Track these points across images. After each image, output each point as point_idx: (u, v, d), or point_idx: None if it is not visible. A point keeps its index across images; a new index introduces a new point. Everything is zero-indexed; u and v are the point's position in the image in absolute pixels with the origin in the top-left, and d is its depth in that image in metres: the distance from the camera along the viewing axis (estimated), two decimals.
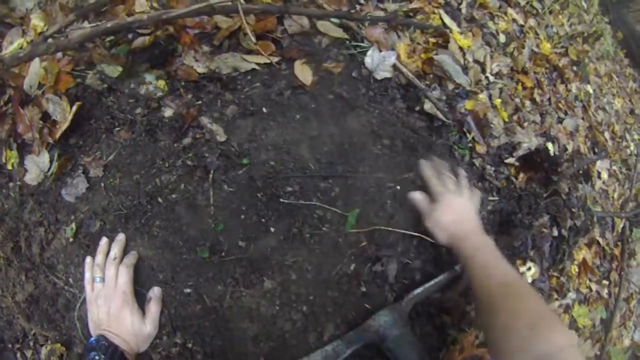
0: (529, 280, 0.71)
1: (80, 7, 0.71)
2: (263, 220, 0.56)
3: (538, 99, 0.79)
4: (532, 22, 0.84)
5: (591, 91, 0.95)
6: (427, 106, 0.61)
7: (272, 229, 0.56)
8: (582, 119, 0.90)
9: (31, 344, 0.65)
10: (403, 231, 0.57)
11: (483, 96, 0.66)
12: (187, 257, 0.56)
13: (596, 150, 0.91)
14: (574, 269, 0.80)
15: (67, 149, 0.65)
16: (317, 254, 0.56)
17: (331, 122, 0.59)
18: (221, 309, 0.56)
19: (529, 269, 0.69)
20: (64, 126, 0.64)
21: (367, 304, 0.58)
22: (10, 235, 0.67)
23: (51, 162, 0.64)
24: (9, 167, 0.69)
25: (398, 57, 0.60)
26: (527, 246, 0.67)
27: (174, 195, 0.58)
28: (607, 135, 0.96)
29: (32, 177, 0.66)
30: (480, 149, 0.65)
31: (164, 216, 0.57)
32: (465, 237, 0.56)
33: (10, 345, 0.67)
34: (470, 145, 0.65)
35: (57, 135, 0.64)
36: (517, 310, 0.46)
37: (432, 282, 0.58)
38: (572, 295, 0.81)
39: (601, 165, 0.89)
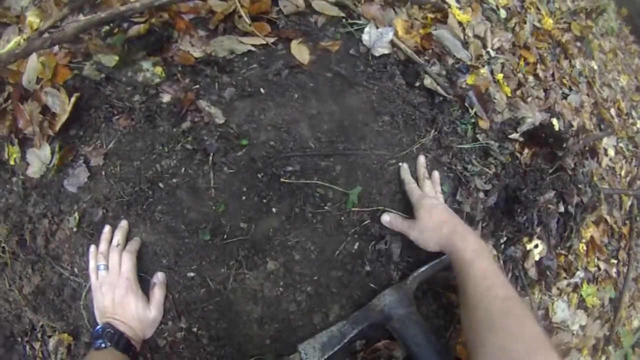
0: (536, 258, 0.70)
1: (74, 1, 0.72)
2: (264, 200, 0.56)
3: (541, 74, 0.78)
4: None
5: (596, 67, 0.93)
6: (427, 82, 0.61)
7: (273, 210, 0.56)
8: (587, 95, 0.89)
9: (39, 335, 0.66)
10: (406, 216, 0.57)
11: (484, 71, 0.66)
12: (190, 241, 0.57)
13: (602, 127, 0.90)
14: (582, 247, 0.79)
15: (67, 141, 0.65)
16: (320, 233, 0.56)
17: (330, 100, 0.59)
18: (225, 291, 0.56)
19: (536, 246, 0.69)
20: (64, 118, 0.65)
21: (372, 283, 0.58)
22: (15, 229, 0.67)
23: (52, 154, 0.65)
24: (12, 162, 0.70)
25: (396, 34, 0.60)
26: (533, 222, 0.66)
27: (174, 180, 0.58)
28: (613, 112, 0.95)
29: (34, 170, 0.67)
30: (484, 124, 0.65)
31: (166, 201, 0.58)
32: (463, 236, 0.53)
33: (19, 339, 0.68)
34: (473, 120, 0.65)
35: (57, 127, 0.65)
36: (517, 332, 0.45)
37: (437, 261, 0.57)
38: (580, 274, 0.80)
39: (607, 142, 0.88)
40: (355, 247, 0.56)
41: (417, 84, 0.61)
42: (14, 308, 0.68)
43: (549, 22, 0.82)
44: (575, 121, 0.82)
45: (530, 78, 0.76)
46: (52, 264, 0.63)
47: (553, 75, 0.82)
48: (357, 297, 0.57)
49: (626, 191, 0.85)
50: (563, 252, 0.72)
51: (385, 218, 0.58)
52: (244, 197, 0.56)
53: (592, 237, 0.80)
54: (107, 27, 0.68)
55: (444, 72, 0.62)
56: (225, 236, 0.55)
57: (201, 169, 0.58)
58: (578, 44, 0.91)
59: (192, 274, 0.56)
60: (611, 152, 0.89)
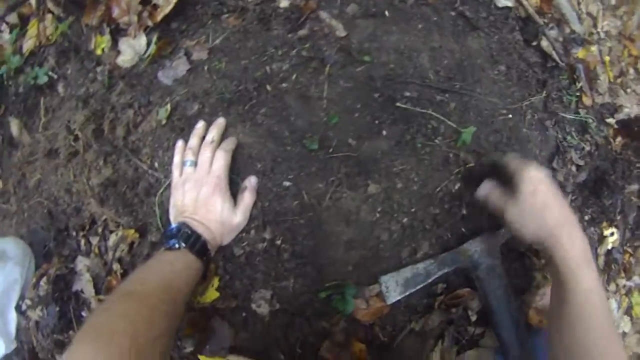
0: (609, 246, 0.71)
1: None
2: (377, 122, 0.56)
3: None
4: None
5: None
6: (544, 44, 0.62)
7: (384, 132, 0.56)
8: None
9: (100, 230, 0.63)
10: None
11: (594, 49, 0.68)
12: (291, 149, 0.56)
13: None
14: None
15: (167, 33, 0.64)
16: (426, 165, 0.56)
17: (452, 38, 0.60)
18: (319, 207, 0.55)
19: (612, 234, 0.70)
20: (167, 9, 0.64)
21: (464, 228, 0.57)
22: (94, 117, 0.65)
23: (149, 45, 0.64)
24: (98, 52, 0.68)
25: None
26: (616, 208, 0.67)
27: (284, 84, 0.57)
28: None
29: (126, 59, 0.65)
30: (587, 100, 0.66)
31: (271, 104, 0.57)
32: (571, 233, 0.43)
33: (74, 233, 0.66)
34: (578, 94, 0.66)
35: (158, 18, 0.64)
36: None
37: None
38: (637, 279, 0.82)
39: None
40: (456, 187, 0.56)
41: (534, 43, 0.62)
42: (75, 200, 0.66)
43: None
44: None
45: (631, 70, 0.79)
46: (128, 157, 0.61)
47: None
48: (448, 239, 0.56)
49: None
50: (630, 250, 0.74)
51: (481, 192, 0.51)
52: (356, 114, 0.56)
53: None
54: None
55: (560, 39, 0.64)
56: (331, 150, 0.55)
57: (315, 78, 0.57)
58: None
59: (287, 184, 0.55)
60: None
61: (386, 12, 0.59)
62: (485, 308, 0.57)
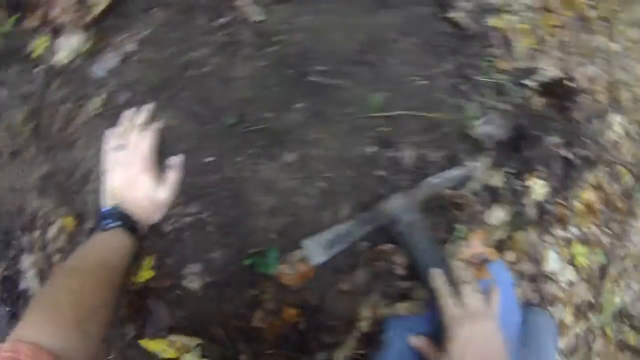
0: (539, 198, 0.75)
1: None
2: (290, 96, 0.61)
3: (562, 38, 0.85)
4: None
5: (617, 50, 1.01)
6: (457, 14, 0.67)
7: (297, 105, 0.61)
8: (604, 71, 0.96)
9: (39, 223, 0.68)
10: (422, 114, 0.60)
11: (510, 17, 0.72)
12: (212, 127, 0.61)
13: (613, 105, 0.96)
14: (579, 206, 0.85)
15: (102, 29, 0.70)
16: (339, 132, 0.61)
17: (364, 14, 0.65)
18: (240, 179, 0.60)
19: (539, 185, 0.73)
20: (101, 7, 0.70)
21: (382, 189, 0.61)
22: (33, 115, 0.71)
23: (85, 42, 0.70)
24: (36, 54, 0.74)
25: None
26: (537, 159, 0.71)
27: (205, 69, 0.63)
28: (627, 95, 1.02)
29: (62, 56, 0.71)
30: (503, 65, 0.70)
31: (195, 87, 0.62)
32: None
33: (19, 232, 0.70)
34: (492, 59, 0.70)
35: (94, 16, 0.69)
36: None
37: (446, 172, 0.61)
38: (575, 230, 0.85)
39: (617, 119, 0.94)
40: (371, 151, 0.61)
41: (446, 15, 0.67)
42: (19, 199, 0.70)
43: None
44: (589, 89, 0.88)
45: (551, 39, 0.83)
46: (65, 150, 0.66)
47: (573, 43, 0.89)
48: (367, 200, 0.60)
49: (625, 162, 0.91)
50: (561, 201, 0.77)
51: (414, 340, 0.52)
52: (270, 90, 0.61)
53: (589, 200, 0.85)
54: None
55: (472, 10, 0.68)
56: (247, 124, 0.59)
57: (233, 61, 0.62)
58: (603, 23, 0.99)
59: (209, 159, 0.60)
60: (619, 129, 0.95)
61: None
62: (411, 261, 0.60)
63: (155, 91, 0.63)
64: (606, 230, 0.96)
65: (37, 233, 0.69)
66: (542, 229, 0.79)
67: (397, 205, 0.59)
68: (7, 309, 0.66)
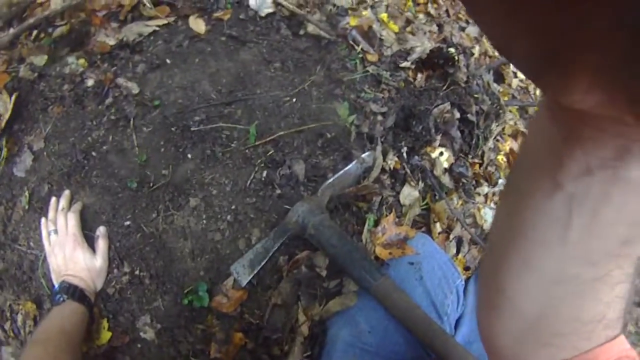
0: (445, 165, 0.85)
1: (3, 16, 0.93)
2: (180, 149, 0.74)
3: (433, 12, 0.96)
4: None
5: None
6: (310, 28, 0.79)
7: (189, 155, 0.73)
8: None
9: (8, 315, 0.82)
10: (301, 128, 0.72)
11: (367, 12, 0.84)
12: (122, 195, 0.74)
13: None
14: (502, 158, 0.95)
15: (12, 134, 0.84)
16: (231, 168, 0.73)
17: (226, 58, 0.78)
18: (158, 233, 0.73)
19: (441, 153, 0.84)
20: (7, 116, 0.84)
21: (285, 205, 0.73)
22: None
23: (0, 149, 0.84)
24: None
25: None
26: (430, 130, 0.81)
27: (104, 147, 0.76)
28: None
29: None
30: (372, 57, 0.82)
31: (99, 166, 0.76)
32: None
33: None
34: (360, 55, 0.82)
35: (3, 124, 0.84)
36: None
37: (342, 171, 0.72)
38: (503, 182, 0.95)
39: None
40: (264, 174, 0.73)
41: (302, 32, 0.79)
42: None
43: None
44: (476, 49, 0.99)
45: (421, 16, 0.95)
46: (11, 246, 0.80)
47: (447, 12, 1.00)
48: (274, 219, 0.73)
49: (532, 103, 1.01)
50: (476, 160, 0.88)
51: None
52: (162, 149, 0.74)
53: (511, 149, 0.95)
54: (35, 32, 0.89)
55: (324, 18, 0.80)
56: (151, 184, 0.73)
57: (125, 133, 0.76)
58: None
59: (127, 223, 0.73)
60: (521, 74, 1.05)
61: (167, 60, 0.77)
62: (330, 258, 0.69)
63: (68, 178, 0.77)
64: None
65: (7, 324, 0.83)
66: (463, 192, 0.90)
67: (301, 211, 0.68)
68: None
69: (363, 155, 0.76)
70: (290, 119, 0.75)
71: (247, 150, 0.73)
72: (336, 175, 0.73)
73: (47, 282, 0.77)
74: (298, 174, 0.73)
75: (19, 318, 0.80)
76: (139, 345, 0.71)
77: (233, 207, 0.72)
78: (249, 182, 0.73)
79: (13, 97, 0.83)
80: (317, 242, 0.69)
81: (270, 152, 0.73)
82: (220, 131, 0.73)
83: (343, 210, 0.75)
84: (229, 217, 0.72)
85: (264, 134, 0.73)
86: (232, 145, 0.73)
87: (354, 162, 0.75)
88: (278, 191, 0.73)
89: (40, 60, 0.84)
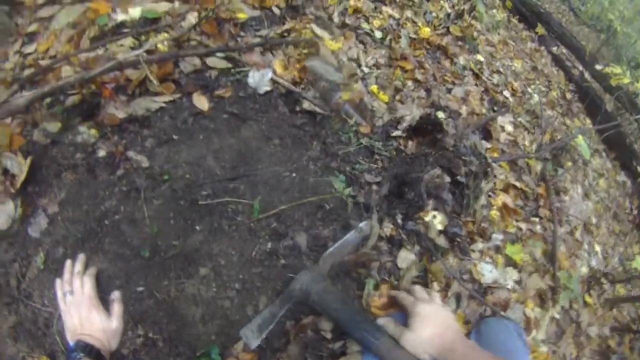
0: (439, 227, 0.97)
1: (18, 79, 1.01)
2: (189, 221, 0.84)
3: (421, 77, 1.07)
4: (408, 13, 1.13)
5: (482, 59, 1.23)
6: (305, 105, 0.89)
7: (197, 227, 0.84)
8: (475, 85, 1.18)
9: None
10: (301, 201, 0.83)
11: (357, 86, 0.95)
12: (135, 262, 0.84)
13: (495, 108, 1.18)
14: (495, 213, 1.07)
15: (27, 195, 0.93)
16: (237, 240, 0.84)
17: (229, 135, 0.88)
18: (169, 299, 0.83)
19: (434, 217, 0.96)
20: (22, 177, 0.93)
21: (290, 273, 0.84)
22: None
23: (15, 208, 0.93)
24: None
25: (275, 72, 0.89)
26: (422, 196, 0.92)
27: (116, 216, 0.86)
28: (506, 93, 1.24)
29: (1, 222, 0.94)
30: (364, 129, 0.93)
31: (112, 234, 0.86)
32: (452, 347, 0.65)
33: None
34: (354, 128, 0.93)
35: (18, 185, 0.92)
36: None
37: (341, 240, 0.82)
38: (498, 236, 1.07)
39: (503, 120, 1.17)
40: (269, 246, 0.84)
41: (298, 108, 0.90)
42: None
43: (425, 31, 1.11)
44: (464, 109, 1.11)
45: (409, 83, 1.05)
46: (25, 302, 0.90)
47: (434, 75, 1.11)
48: (280, 287, 0.83)
49: (524, 155, 1.14)
50: (469, 219, 0.99)
51: (382, 321, 0.73)
52: (172, 221, 0.84)
53: (504, 203, 1.08)
54: (49, 100, 0.97)
55: (317, 95, 0.91)
56: (162, 253, 0.83)
57: (136, 204, 0.86)
58: (460, 43, 1.21)
59: (140, 289, 0.83)
60: (509, 128, 1.18)
61: (174, 136, 0.87)
62: (334, 322, 0.79)
63: (81, 243, 0.86)
64: (535, 219, 1.18)
65: None
66: (458, 251, 1.01)
67: (304, 279, 0.78)
68: None
69: (360, 225, 0.87)
70: (291, 193, 0.86)
71: (251, 224, 0.83)
72: (336, 245, 0.85)
73: (61, 339, 0.87)
74: (300, 244, 0.84)
75: None
76: None
77: (240, 276, 0.83)
78: (254, 253, 0.84)
79: (28, 160, 0.92)
80: (320, 308, 0.79)
81: (273, 225, 0.84)
82: (226, 205, 0.84)
83: (344, 277, 0.87)
84: (237, 285, 0.83)
85: (267, 207, 0.84)
86: (238, 218, 0.84)
87: (352, 232, 0.86)
88: (282, 261, 0.84)
89: (53, 127, 0.92)
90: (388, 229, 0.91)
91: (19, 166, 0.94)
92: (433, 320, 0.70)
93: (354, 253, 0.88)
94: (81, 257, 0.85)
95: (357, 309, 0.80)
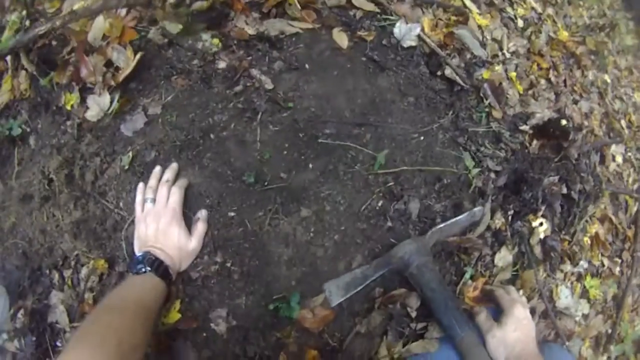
0: (541, 236, 0.91)
1: None
2: (303, 157, 0.78)
3: (553, 79, 1.04)
4: (550, 10, 1.12)
5: (609, 80, 1.20)
6: (448, 72, 0.85)
7: (310, 165, 0.78)
8: (598, 104, 1.15)
9: (72, 263, 0.82)
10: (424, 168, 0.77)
11: (499, 68, 0.91)
12: (233, 185, 0.78)
13: (611, 135, 1.15)
14: (587, 240, 1.01)
15: (127, 92, 0.88)
16: (349, 189, 0.78)
17: (364, 80, 0.83)
18: (260, 232, 0.76)
19: (541, 224, 0.90)
20: (127, 72, 0.88)
21: (392, 238, 0.78)
22: (66, 164, 0.87)
23: (112, 102, 0.87)
24: (68, 107, 0.91)
25: (422, 29, 0.85)
26: (538, 199, 0.87)
27: (224, 133, 0.80)
28: (623, 123, 1.20)
29: (92, 114, 0.88)
30: (497, 114, 0.88)
31: (215, 149, 0.79)
32: None
33: (47, 271, 0.85)
34: (487, 109, 0.88)
35: (120, 79, 0.87)
36: None
37: (453, 220, 0.77)
38: (584, 264, 1.01)
39: (616, 150, 1.13)
40: (379, 204, 0.77)
41: (439, 73, 0.85)
42: (48, 241, 0.86)
43: (564, 34, 1.10)
44: (584, 125, 1.07)
45: (543, 81, 1.02)
46: (97, 200, 0.83)
47: (565, 82, 1.08)
48: (378, 249, 0.77)
49: (630, 191, 1.09)
50: (567, 237, 0.94)
51: (476, 309, 0.73)
52: (285, 152, 0.78)
53: (597, 232, 1.02)
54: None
55: (462, 65, 0.87)
56: (266, 183, 0.76)
57: (249, 125, 0.80)
58: (592, 57, 1.19)
59: (232, 214, 0.76)
60: (619, 159, 1.13)
61: (306, 65, 0.82)
62: (423, 300, 0.74)
63: (178, 151, 0.80)
64: (617, 260, 1.13)
65: (68, 272, 0.83)
66: (549, 266, 0.96)
67: (408, 249, 0.72)
68: (34, 338, 0.80)
69: (475, 210, 0.81)
70: (414, 156, 0.80)
71: (369, 176, 0.77)
72: (447, 222, 0.78)
73: (127, 246, 0.79)
74: (412, 211, 0.78)
75: (84, 271, 0.82)
76: (204, 334, 0.73)
77: (342, 227, 0.77)
78: (363, 207, 0.77)
79: (138, 55, 0.87)
80: (416, 283, 0.74)
81: (390, 184, 0.78)
82: (347, 150, 0.78)
83: (445, 258, 0.80)
84: (336, 236, 0.76)
85: (388, 164, 0.78)
86: (356, 167, 0.77)
87: (466, 214, 0.80)
88: (389, 223, 0.78)
89: (174, 27, 0.88)
90: (498, 222, 0.85)
91: (127, 60, 0.89)
92: (523, 326, 0.70)
93: (459, 236, 0.82)
94: (173, 166, 0.78)
95: (452, 295, 0.74)
